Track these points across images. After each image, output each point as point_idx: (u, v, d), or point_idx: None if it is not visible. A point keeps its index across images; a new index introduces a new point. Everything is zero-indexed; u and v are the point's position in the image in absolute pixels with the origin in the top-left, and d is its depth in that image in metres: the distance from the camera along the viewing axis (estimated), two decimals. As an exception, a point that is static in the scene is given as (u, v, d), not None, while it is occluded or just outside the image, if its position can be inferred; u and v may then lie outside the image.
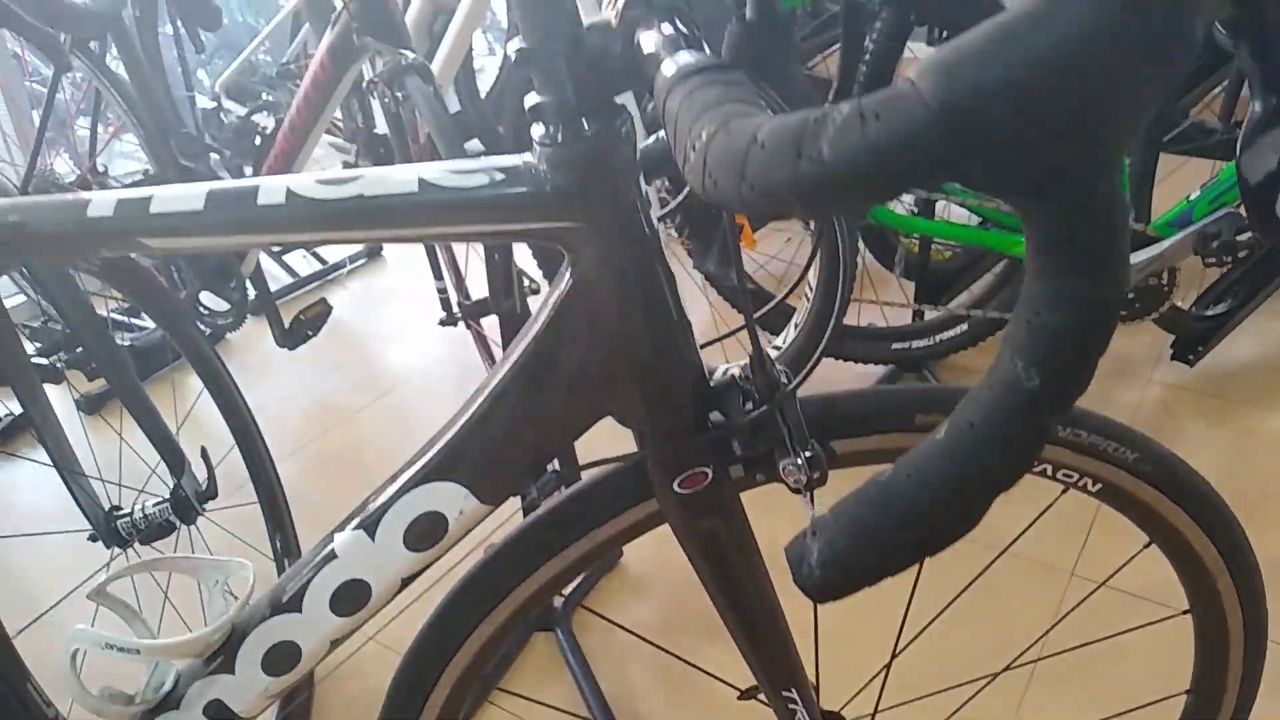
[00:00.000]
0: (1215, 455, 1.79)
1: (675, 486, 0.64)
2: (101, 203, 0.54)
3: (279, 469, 1.51)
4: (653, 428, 0.64)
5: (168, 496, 1.22)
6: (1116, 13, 0.25)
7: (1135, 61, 0.26)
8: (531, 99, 0.54)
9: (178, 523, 1.23)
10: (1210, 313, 1.94)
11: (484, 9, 2.00)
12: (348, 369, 2.30)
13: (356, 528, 0.67)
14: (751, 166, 0.33)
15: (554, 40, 0.52)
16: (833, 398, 0.68)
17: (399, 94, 1.52)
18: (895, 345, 2.00)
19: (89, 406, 2.00)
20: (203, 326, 2.06)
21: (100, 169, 2.16)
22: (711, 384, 0.64)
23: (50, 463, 1.18)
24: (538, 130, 0.55)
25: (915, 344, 1.99)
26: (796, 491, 0.63)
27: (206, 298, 2.01)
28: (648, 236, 0.58)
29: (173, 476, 1.23)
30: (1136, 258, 1.67)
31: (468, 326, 1.77)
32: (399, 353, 2.35)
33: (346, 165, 2.40)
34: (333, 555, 0.67)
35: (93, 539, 1.23)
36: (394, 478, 0.67)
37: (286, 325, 2.10)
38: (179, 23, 2.10)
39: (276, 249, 2.62)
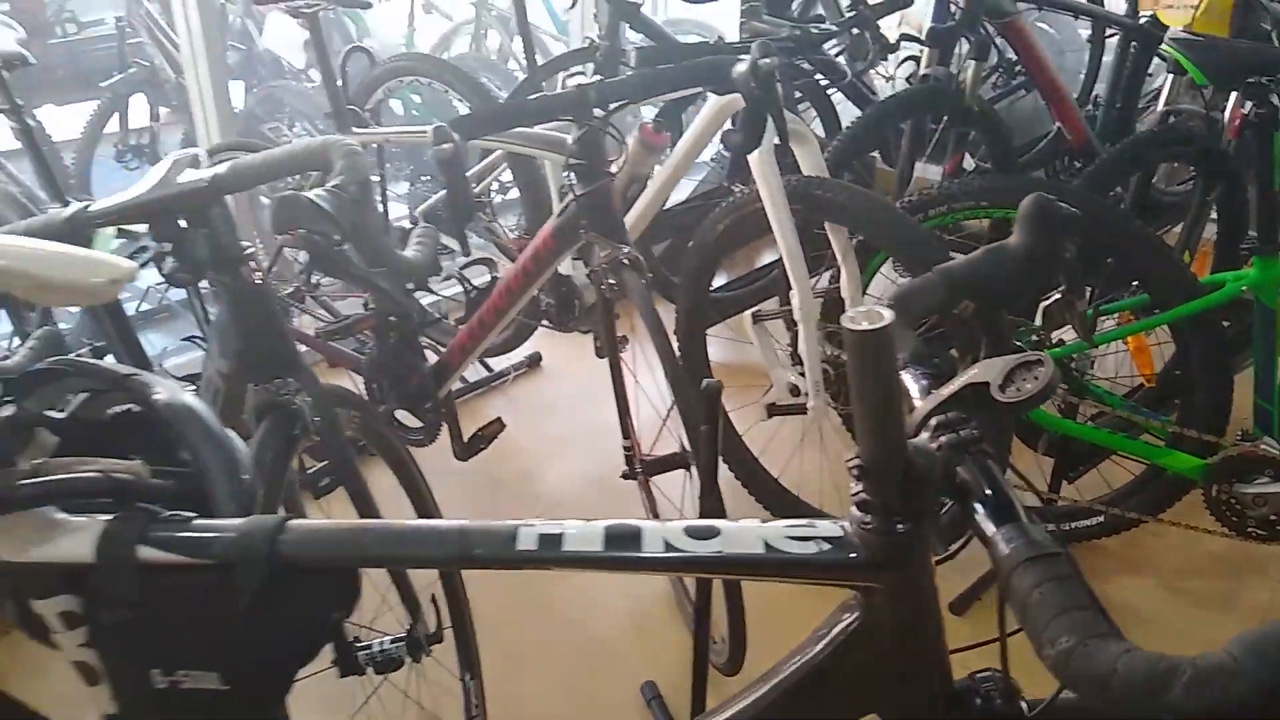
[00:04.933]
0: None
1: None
2: (527, 535, 0.73)
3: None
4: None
5: (403, 635, 1.41)
6: None
7: None
8: (859, 495, 0.71)
9: (408, 659, 1.41)
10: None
11: (677, 178, 2.20)
12: (507, 483, 2.51)
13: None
14: (1115, 687, 0.49)
15: (887, 461, 0.69)
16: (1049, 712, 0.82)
17: (613, 283, 1.72)
18: (1030, 525, 2.11)
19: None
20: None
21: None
22: (958, 686, 0.80)
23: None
24: (859, 515, 0.72)
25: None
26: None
27: (402, 415, 2.23)
28: (931, 593, 0.74)
29: (409, 617, 1.42)
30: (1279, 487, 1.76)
31: (646, 481, 1.95)
32: (555, 473, 2.55)
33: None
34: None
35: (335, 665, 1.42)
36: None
37: (465, 439, 2.31)
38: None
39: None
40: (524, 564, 0.73)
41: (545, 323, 2.48)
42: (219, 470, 0.86)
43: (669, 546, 0.73)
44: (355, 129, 2.11)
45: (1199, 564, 2.19)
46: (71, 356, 0.92)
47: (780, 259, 1.91)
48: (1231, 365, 1.83)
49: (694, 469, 1.92)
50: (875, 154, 3.21)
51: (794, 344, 2.09)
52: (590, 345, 2.36)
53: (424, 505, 1.74)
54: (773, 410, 2.09)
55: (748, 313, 2.07)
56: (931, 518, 0.72)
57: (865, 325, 0.65)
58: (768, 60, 1.48)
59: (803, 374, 2.00)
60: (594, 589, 2.14)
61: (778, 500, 2.24)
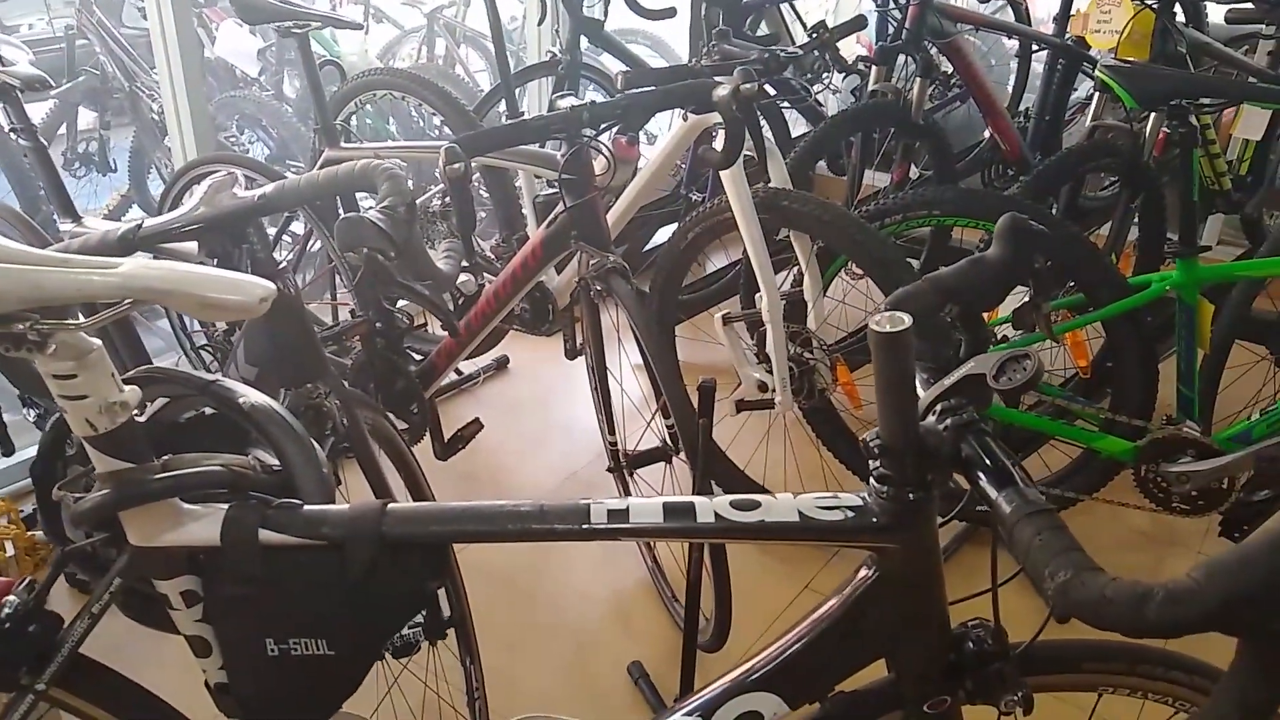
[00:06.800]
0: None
1: (925, 708, 0.94)
2: (598, 510, 0.85)
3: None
4: (917, 667, 0.93)
5: (420, 621, 1.51)
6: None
7: None
8: (878, 469, 0.85)
9: (426, 644, 1.52)
10: (1257, 498, 2.22)
11: (650, 191, 2.33)
12: (483, 480, 2.61)
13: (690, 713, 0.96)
14: (1105, 611, 0.63)
15: (903, 441, 0.83)
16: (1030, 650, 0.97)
17: (600, 287, 1.85)
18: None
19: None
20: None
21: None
22: (953, 632, 0.94)
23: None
24: (878, 486, 0.86)
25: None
26: (1007, 714, 0.93)
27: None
28: (937, 552, 0.89)
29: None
30: (1200, 465, 1.97)
31: (628, 474, 2.08)
32: (528, 468, 2.66)
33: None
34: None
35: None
36: (716, 682, 0.97)
37: (445, 440, 2.41)
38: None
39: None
40: (597, 536, 0.86)
41: (518, 327, 2.59)
42: (303, 464, 0.97)
43: (719, 517, 0.86)
44: (344, 145, 2.20)
45: (1127, 539, 2.40)
46: (157, 365, 1.01)
47: (737, 263, 2.05)
48: (1158, 357, 2.03)
49: (674, 461, 2.07)
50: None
51: (759, 344, 2.23)
52: (553, 347, 2.47)
53: (423, 498, 1.85)
54: (741, 405, 2.24)
55: (718, 315, 2.21)
56: (936, 488, 0.86)
57: (889, 328, 0.79)
58: (749, 85, 1.62)
59: (770, 371, 2.14)
60: (576, 576, 2.27)
61: (743, 489, 2.38)
